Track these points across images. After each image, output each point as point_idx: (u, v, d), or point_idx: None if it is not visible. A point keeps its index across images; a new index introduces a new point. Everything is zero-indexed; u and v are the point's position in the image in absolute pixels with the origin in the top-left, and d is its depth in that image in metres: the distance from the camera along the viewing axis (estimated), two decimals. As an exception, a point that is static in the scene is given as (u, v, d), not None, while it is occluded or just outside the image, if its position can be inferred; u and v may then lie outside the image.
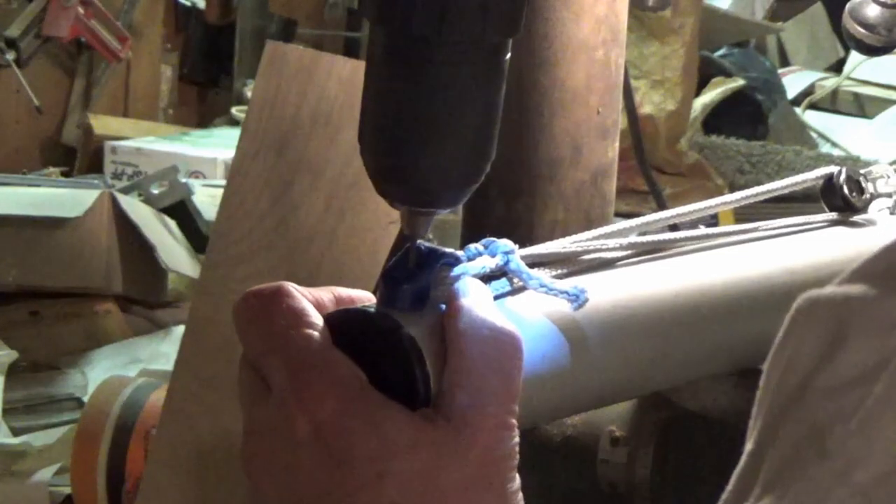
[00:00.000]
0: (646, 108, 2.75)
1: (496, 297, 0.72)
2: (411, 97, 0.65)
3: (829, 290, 0.58)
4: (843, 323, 0.56)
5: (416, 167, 0.66)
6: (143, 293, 2.41)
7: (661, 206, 1.63)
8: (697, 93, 3.10)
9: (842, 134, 3.54)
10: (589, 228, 1.16)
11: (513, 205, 1.19)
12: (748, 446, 0.59)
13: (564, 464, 1.10)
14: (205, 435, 1.40)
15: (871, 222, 1.00)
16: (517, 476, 0.65)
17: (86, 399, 1.90)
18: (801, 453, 0.55)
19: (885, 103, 3.70)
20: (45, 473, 1.83)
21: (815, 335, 0.57)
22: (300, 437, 0.63)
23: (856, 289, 0.57)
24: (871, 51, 1.14)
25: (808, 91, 3.79)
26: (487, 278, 0.72)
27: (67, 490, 1.77)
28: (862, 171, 1.02)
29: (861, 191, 1.00)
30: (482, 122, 0.67)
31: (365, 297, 0.71)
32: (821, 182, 1.00)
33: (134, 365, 2.12)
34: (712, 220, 1.50)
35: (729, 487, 0.59)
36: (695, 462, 1.08)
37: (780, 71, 3.72)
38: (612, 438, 1.07)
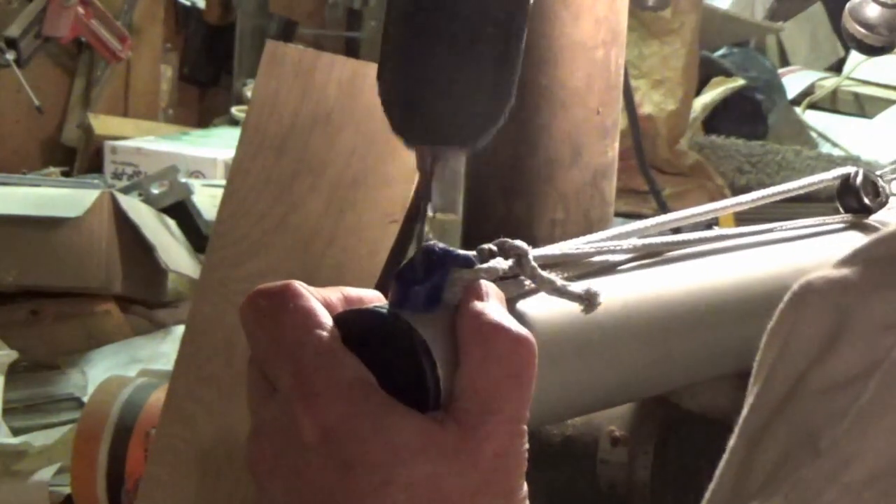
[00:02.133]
0: (646, 108, 2.75)
1: (508, 300, 0.71)
2: (432, 34, 0.65)
3: (826, 274, 0.57)
4: (837, 320, 0.56)
5: (439, 101, 0.66)
6: (143, 293, 2.41)
7: (661, 207, 1.63)
8: (697, 93, 3.09)
9: (842, 134, 3.54)
10: (589, 228, 1.16)
11: (513, 205, 1.19)
12: (733, 442, 0.59)
13: (564, 464, 1.10)
14: (205, 434, 1.40)
15: (886, 225, 1.00)
16: (525, 483, 0.64)
17: (86, 399, 1.90)
18: (794, 454, 0.55)
19: (885, 103, 3.70)
20: (45, 473, 1.83)
21: (807, 331, 0.57)
22: (306, 440, 0.62)
23: (853, 274, 0.56)
24: (871, 51, 1.14)
25: (808, 91, 3.79)
26: (500, 280, 0.72)
27: (67, 490, 1.77)
28: (878, 172, 1.02)
29: (877, 192, 1.00)
30: (503, 62, 0.67)
31: (374, 298, 0.70)
32: (837, 183, 0.99)
33: (134, 365, 2.12)
34: (713, 221, 1.50)
35: (713, 486, 0.59)
36: (695, 462, 1.08)
37: (780, 71, 3.71)
38: (612, 438, 1.07)
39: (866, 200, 0.99)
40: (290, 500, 0.63)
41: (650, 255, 0.84)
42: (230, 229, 1.44)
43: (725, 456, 0.59)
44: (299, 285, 0.66)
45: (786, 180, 1.05)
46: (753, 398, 0.58)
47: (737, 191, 2.70)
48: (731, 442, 0.59)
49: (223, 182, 1.91)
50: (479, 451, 0.62)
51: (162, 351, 2.22)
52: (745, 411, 0.59)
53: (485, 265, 0.71)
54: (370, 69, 1.47)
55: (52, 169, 3.16)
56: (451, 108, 0.66)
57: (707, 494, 0.59)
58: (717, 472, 0.59)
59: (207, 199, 2.62)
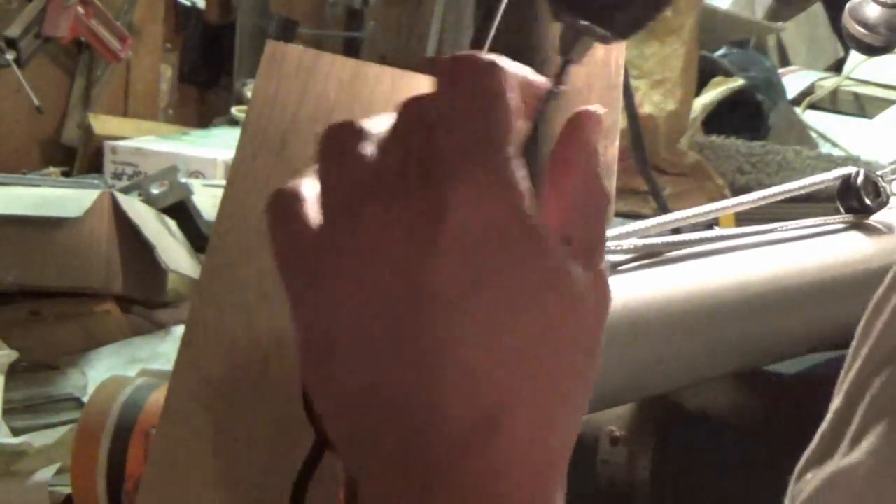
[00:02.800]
0: (646, 108, 2.75)
1: None
2: None
3: None
4: None
5: None
6: (143, 293, 2.41)
7: (662, 207, 1.63)
8: (697, 93, 3.09)
9: (842, 134, 3.54)
10: (589, 228, 1.16)
11: (513, 205, 1.18)
12: (835, 402, 0.59)
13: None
14: (205, 435, 1.40)
15: (887, 225, 1.00)
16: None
17: (86, 399, 1.90)
18: (894, 409, 0.54)
19: (885, 103, 3.70)
20: (45, 473, 1.83)
21: None
22: (445, 233, 0.52)
23: None
24: (871, 51, 1.14)
25: (808, 91, 3.79)
26: None
27: (67, 490, 1.77)
28: (879, 172, 1.02)
29: (877, 192, 1.00)
30: None
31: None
32: (837, 183, 1.00)
33: (134, 365, 2.12)
34: (713, 221, 1.49)
35: (813, 445, 0.59)
36: (695, 462, 1.08)
37: (780, 71, 3.71)
38: (612, 438, 1.07)
39: (867, 200, 0.99)
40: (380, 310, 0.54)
41: (651, 256, 0.84)
42: (230, 229, 1.44)
43: (827, 416, 0.59)
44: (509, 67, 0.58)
45: (786, 180, 1.05)
46: (861, 361, 0.57)
47: (737, 191, 2.70)
48: (833, 403, 0.59)
49: (223, 182, 1.91)
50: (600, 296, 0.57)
51: (162, 351, 2.22)
52: (849, 373, 0.58)
53: None
54: (371, 69, 1.48)
55: (52, 169, 3.16)
56: None
57: (806, 453, 0.59)
58: (818, 432, 0.59)
59: (207, 199, 2.62)
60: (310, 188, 0.57)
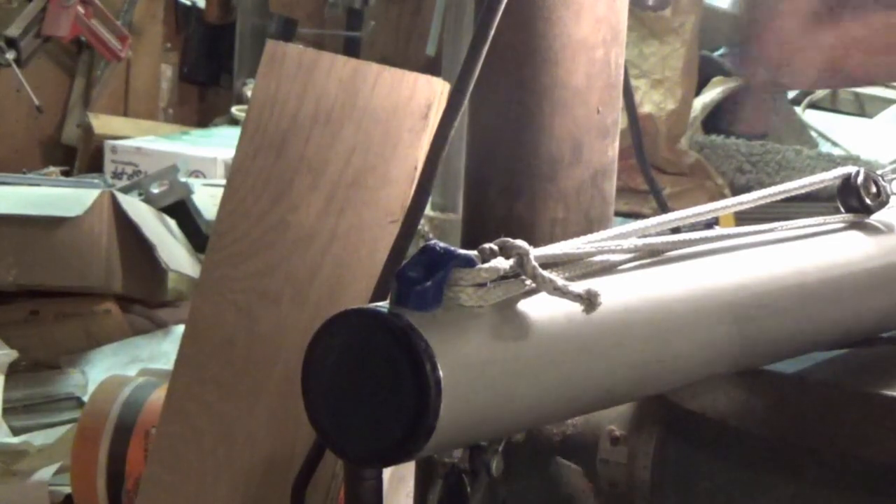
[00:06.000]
0: (646, 108, 2.75)
1: (509, 299, 0.71)
2: None
3: None
4: None
5: None
6: (143, 293, 2.41)
7: (662, 206, 1.63)
8: (697, 93, 3.09)
9: (842, 133, 3.54)
10: (589, 228, 1.16)
11: (513, 204, 1.18)
12: None
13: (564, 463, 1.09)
14: (205, 434, 1.40)
15: (887, 225, 1.00)
16: None
17: (86, 399, 1.90)
18: None
19: (885, 103, 3.70)
20: (45, 473, 1.83)
21: None
22: None
23: None
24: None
25: (808, 91, 3.79)
26: (501, 279, 0.71)
27: (67, 490, 1.77)
28: (879, 172, 1.02)
29: (877, 192, 0.99)
30: None
31: None
32: (837, 183, 0.99)
33: (134, 364, 2.13)
34: (713, 221, 1.49)
35: None
36: (695, 462, 1.08)
37: (780, 71, 3.71)
38: (612, 438, 1.07)
39: (867, 200, 0.98)
40: None
41: (650, 255, 0.84)
42: (230, 228, 1.44)
43: None
44: None
45: (786, 180, 1.05)
46: None
47: (737, 190, 2.70)
48: None
49: (223, 182, 1.91)
50: None
51: (162, 350, 2.23)
52: None
53: (486, 265, 0.70)
54: (371, 69, 1.48)
55: (52, 168, 3.16)
56: None
57: None
58: None
59: (207, 199, 2.63)
60: None
